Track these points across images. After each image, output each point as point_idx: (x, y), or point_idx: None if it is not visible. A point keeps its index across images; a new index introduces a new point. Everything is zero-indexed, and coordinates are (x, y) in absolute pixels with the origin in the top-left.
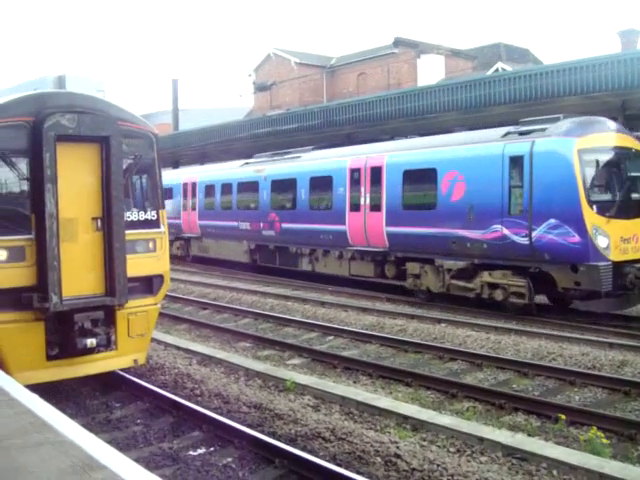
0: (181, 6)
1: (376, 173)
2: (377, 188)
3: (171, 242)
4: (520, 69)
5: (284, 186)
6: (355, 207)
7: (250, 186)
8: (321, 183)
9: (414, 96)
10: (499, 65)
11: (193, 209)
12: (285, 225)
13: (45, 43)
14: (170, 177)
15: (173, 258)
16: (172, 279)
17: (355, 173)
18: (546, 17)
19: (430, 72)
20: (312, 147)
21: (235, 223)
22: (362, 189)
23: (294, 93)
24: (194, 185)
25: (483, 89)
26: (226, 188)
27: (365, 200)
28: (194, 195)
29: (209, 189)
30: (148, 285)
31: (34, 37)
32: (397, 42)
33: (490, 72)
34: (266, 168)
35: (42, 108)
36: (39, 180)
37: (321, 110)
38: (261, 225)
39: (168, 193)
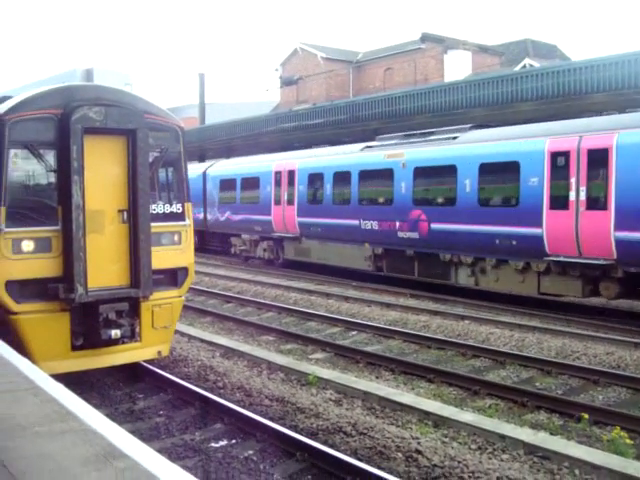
0: (209, 0)
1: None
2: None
3: (256, 242)
4: (547, 65)
5: (435, 175)
6: (560, 203)
7: (379, 175)
8: (497, 171)
9: (441, 92)
10: (526, 61)
11: (290, 203)
12: (436, 225)
13: (74, 37)
14: (256, 164)
15: (258, 261)
16: (196, 272)
17: (561, 158)
18: (574, 13)
19: (457, 68)
20: (470, 126)
21: (355, 222)
22: (573, 180)
23: (320, 88)
24: (292, 174)
25: (510, 85)
26: (341, 177)
27: (578, 194)
28: (291, 186)
29: (315, 178)
30: (173, 277)
31: (64, 31)
32: (424, 37)
33: (517, 68)
34: (405, 152)
35: (70, 101)
36: (66, 172)
37: (347, 105)
38: (396, 225)
39: (252, 184)
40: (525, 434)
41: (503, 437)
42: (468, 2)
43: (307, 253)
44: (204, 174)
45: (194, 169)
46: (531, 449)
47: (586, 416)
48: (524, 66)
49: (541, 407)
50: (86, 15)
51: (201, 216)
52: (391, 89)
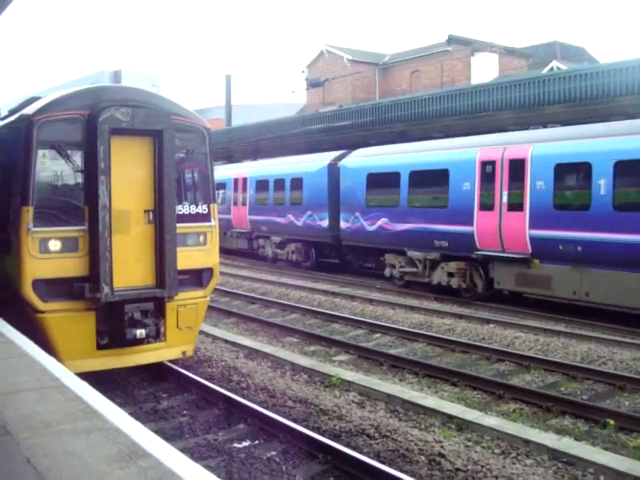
0: (237, 3)
1: None
2: None
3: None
4: (575, 68)
5: None
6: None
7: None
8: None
9: (467, 94)
10: (554, 64)
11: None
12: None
13: (103, 38)
14: (463, 148)
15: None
16: (221, 273)
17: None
18: (603, 15)
19: (484, 70)
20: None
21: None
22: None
23: (346, 90)
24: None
25: (537, 88)
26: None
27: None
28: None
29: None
30: (198, 278)
31: (93, 32)
32: (451, 40)
33: (545, 71)
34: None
35: (97, 102)
36: (93, 172)
37: (373, 107)
38: None
39: (442, 178)
40: (549, 439)
41: (527, 442)
42: (495, 4)
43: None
44: (334, 167)
45: (311, 160)
46: (555, 454)
47: (612, 422)
48: (552, 69)
49: (566, 412)
50: (115, 17)
51: (324, 223)
52: (417, 91)
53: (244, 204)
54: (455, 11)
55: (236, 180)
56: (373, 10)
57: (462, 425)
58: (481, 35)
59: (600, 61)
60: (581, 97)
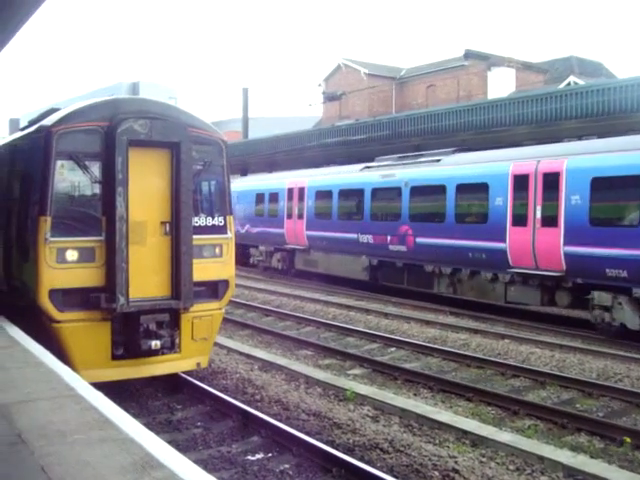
0: (254, 16)
1: None
2: None
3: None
4: (592, 83)
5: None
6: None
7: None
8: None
9: (483, 109)
10: (571, 79)
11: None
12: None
13: (121, 51)
14: (273, 181)
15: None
16: (237, 285)
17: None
18: (620, 30)
19: (501, 85)
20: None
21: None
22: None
23: (363, 103)
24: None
25: (554, 103)
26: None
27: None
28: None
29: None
30: (213, 290)
31: (111, 45)
32: (467, 54)
33: (562, 86)
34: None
35: (116, 113)
36: (111, 183)
37: (389, 121)
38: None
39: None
40: (564, 456)
41: (542, 459)
42: (513, 19)
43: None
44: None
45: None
46: (570, 472)
47: (628, 440)
48: (569, 84)
49: (581, 429)
50: (133, 29)
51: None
52: (434, 106)
53: (300, 217)
54: (472, 25)
55: (291, 190)
56: (390, 24)
57: (476, 441)
58: (498, 50)
59: (618, 76)
60: (598, 112)
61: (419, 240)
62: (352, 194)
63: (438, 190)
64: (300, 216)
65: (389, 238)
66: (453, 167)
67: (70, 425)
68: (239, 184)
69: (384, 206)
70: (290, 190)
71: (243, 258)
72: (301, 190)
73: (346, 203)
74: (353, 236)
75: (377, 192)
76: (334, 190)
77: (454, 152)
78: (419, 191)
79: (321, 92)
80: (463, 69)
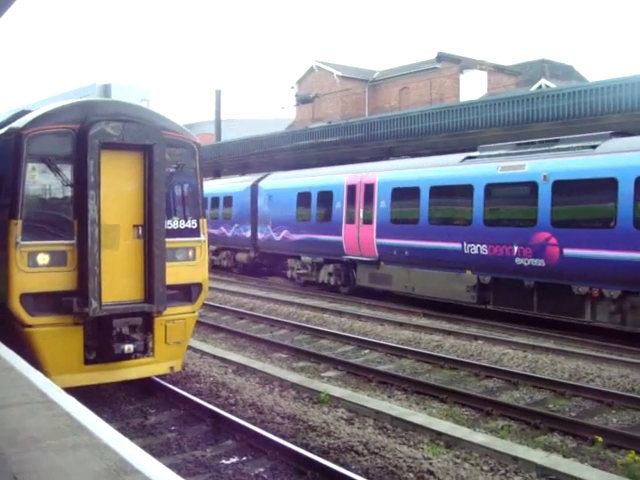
0: (226, 18)
1: None
2: None
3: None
4: (564, 86)
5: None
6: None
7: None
8: None
9: (456, 111)
10: (542, 82)
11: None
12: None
13: (93, 52)
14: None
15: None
16: (210, 288)
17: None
18: (591, 34)
19: (473, 88)
20: (610, 133)
21: None
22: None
23: (336, 106)
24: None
25: (526, 106)
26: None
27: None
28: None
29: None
30: (186, 293)
31: (83, 45)
32: (440, 57)
33: (533, 88)
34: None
35: (88, 116)
36: (82, 186)
37: (362, 124)
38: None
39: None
40: (538, 456)
41: (516, 459)
42: (485, 22)
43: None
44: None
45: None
46: (544, 471)
47: (600, 439)
48: (540, 86)
49: (554, 429)
50: (105, 30)
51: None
52: (407, 108)
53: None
54: (445, 28)
55: (352, 188)
56: (363, 27)
57: (451, 442)
58: (470, 53)
59: (588, 79)
60: (569, 115)
61: (568, 252)
62: (452, 192)
63: (601, 185)
64: (367, 220)
65: (516, 249)
66: (620, 154)
67: (43, 431)
68: (271, 182)
69: (507, 207)
70: (351, 188)
71: (280, 270)
72: (368, 188)
73: (442, 203)
74: (455, 246)
75: (494, 189)
76: (422, 187)
77: (611, 136)
78: (567, 187)
79: (294, 95)
80: (436, 72)
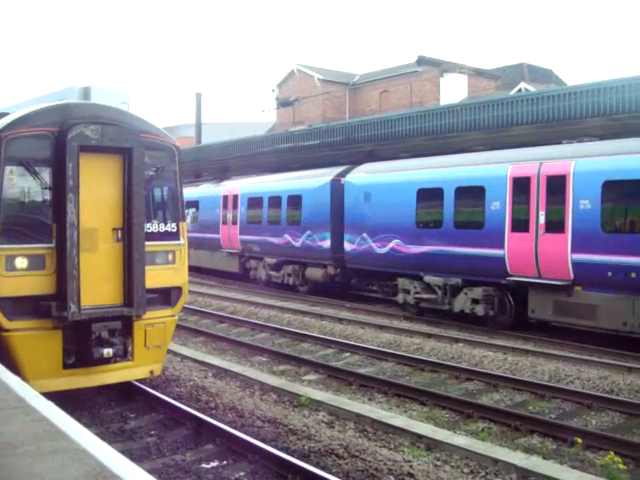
0: (207, 21)
1: None
2: None
3: None
4: (543, 90)
5: None
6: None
7: None
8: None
9: (436, 115)
10: (522, 85)
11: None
12: None
13: (72, 54)
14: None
15: None
16: (190, 292)
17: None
18: (571, 38)
19: (453, 91)
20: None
21: None
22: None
23: (317, 109)
24: None
25: (505, 109)
26: None
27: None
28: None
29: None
30: (166, 297)
31: (62, 48)
32: (420, 60)
33: (513, 92)
34: None
35: (66, 119)
36: (61, 190)
37: (343, 127)
38: None
39: None
40: (518, 458)
41: (496, 461)
42: (465, 26)
43: None
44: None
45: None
46: (524, 473)
47: (579, 440)
48: (520, 90)
49: (534, 431)
50: (85, 33)
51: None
52: (387, 111)
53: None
54: (425, 32)
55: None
56: (344, 30)
57: (431, 444)
58: (450, 56)
59: (568, 83)
60: (548, 118)
61: None
62: None
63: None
64: (558, 228)
65: None
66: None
67: (20, 437)
68: (367, 176)
69: None
70: (517, 181)
71: (376, 291)
72: (552, 180)
73: None
74: None
75: None
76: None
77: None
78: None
79: (274, 98)
80: (416, 75)
